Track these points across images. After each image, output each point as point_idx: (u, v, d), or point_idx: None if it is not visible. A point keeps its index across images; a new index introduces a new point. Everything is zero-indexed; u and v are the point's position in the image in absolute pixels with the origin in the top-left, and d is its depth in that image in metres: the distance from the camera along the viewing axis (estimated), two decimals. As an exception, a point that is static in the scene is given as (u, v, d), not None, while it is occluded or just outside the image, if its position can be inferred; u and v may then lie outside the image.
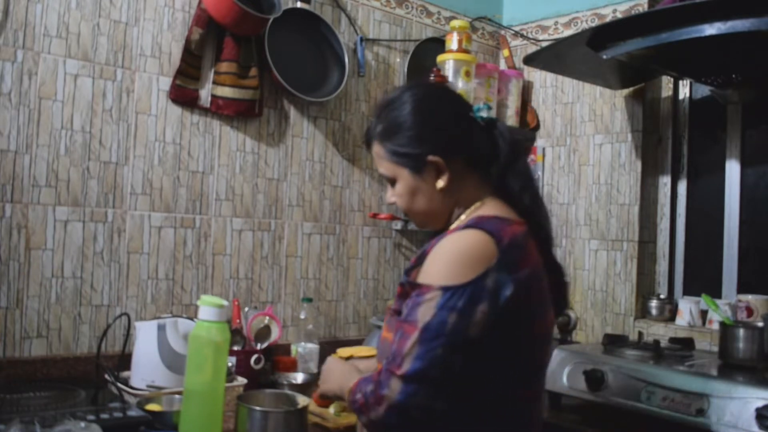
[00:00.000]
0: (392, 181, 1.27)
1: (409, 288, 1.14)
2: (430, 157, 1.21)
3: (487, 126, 1.26)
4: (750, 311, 2.03)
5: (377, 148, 1.26)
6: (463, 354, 1.07)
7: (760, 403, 1.49)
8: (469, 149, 1.24)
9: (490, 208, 1.22)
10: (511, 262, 1.10)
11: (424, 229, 1.34)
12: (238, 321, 1.98)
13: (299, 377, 1.91)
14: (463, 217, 1.23)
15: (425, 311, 1.07)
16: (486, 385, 1.12)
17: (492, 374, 1.12)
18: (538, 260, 1.17)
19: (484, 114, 1.27)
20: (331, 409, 1.71)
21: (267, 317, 1.98)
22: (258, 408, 1.39)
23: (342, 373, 1.30)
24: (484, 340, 1.08)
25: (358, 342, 2.21)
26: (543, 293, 1.18)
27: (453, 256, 1.11)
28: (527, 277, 1.12)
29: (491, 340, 1.09)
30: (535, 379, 1.20)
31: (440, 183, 1.22)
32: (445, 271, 1.09)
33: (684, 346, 1.99)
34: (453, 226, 1.22)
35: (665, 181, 2.42)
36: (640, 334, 2.20)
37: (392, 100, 1.26)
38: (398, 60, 2.48)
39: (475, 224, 1.14)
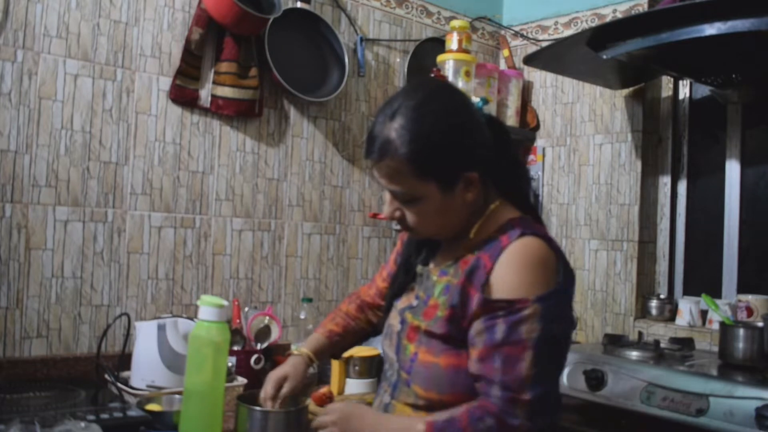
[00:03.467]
0: (411, 199, 1.13)
1: (488, 307, 1.06)
2: (466, 174, 1.12)
3: (489, 123, 1.21)
4: (750, 311, 2.03)
5: (398, 165, 1.10)
6: (566, 358, 1.12)
7: (760, 403, 1.49)
8: (491, 157, 1.16)
9: (505, 211, 1.19)
10: (564, 259, 1.13)
11: (429, 238, 1.25)
12: (238, 321, 1.98)
13: (299, 377, 1.91)
14: (480, 223, 1.17)
15: (530, 328, 1.03)
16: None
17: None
18: None
19: (485, 111, 1.25)
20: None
21: (267, 317, 1.98)
22: (258, 408, 1.39)
23: (378, 420, 1.16)
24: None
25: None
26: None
27: (533, 266, 1.07)
28: (568, 266, 1.14)
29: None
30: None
31: (469, 196, 1.15)
32: (533, 281, 1.06)
33: (684, 346, 1.99)
34: (488, 234, 1.14)
35: (665, 181, 2.42)
36: (640, 334, 2.20)
37: (414, 110, 1.10)
38: (398, 60, 2.48)
39: (524, 230, 1.11)
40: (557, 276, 1.09)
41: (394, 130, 1.10)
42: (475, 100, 1.23)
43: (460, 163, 1.12)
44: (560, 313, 1.08)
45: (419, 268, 1.26)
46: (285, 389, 1.38)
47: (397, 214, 1.17)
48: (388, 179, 1.13)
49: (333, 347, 1.48)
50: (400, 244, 1.41)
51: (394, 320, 1.26)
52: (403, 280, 1.31)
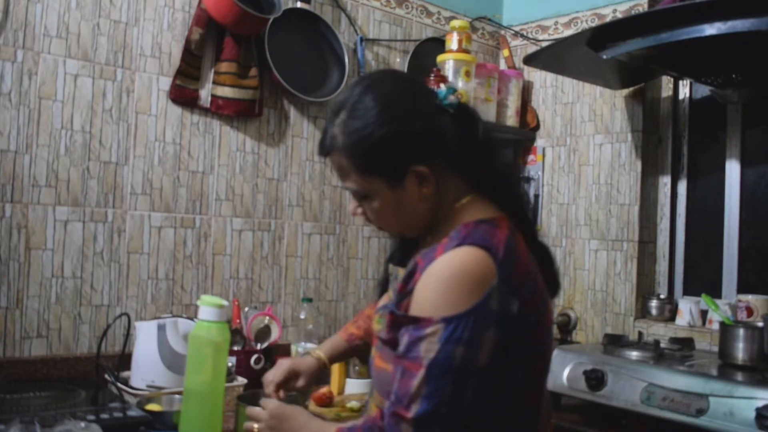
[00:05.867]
0: (363, 196, 1.10)
1: (404, 320, 1.02)
2: (413, 167, 1.06)
3: (458, 113, 1.12)
4: (750, 311, 2.03)
5: (342, 161, 1.08)
6: (473, 384, 0.97)
7: (760, 403, 1.49)
8: (448, 148, 1.09)
9: (472, 209, 1.10)
10: (512, 274, 1.00)
11: (398, 237, 1.23)
12: (238, 321, 1.98)
13: (299, 377, 1.91)
14: (444, 223, 1.10)
15: (428, 347, 0.96)
16: (497, 403, 1.02)
17: (502, 392, 1.03)
18: (528, 255, 1.07)
19: (452, 99, 1.11)
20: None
21: (267, 317, 1.98)
22: (258, 408, 1.39)
23: (306, 423, 1.14)
24: (493, 364, 0.98)
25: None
26: (541, 291, 1.07)
27: (450, 281, 0.98)
28: (527, 282, 1.03)
29: (500, 360, 0.99)
30: (541, 379, 1.12)
31: (424, 191, 1.08)
32: (444, 300, 0.97)
33: (684, 346, 1.99)
34: (441, 243, 1.05)
35: (665, 181, 2.42)
36: (640, 334, 2.20)
37: (353, 104, 1.07)
38: (398, 60, 2.48)
39: (464, 240, 1.01)
40: (482, 294, 0.97)
41: (337, 125, 1.08)
42: (441, 88, 1.15)
43: (404, 155, 1.06)
44: (470, 337, 0.96)
45: (390, 268, 1.24)
46: (295, 383, 1.38)
47: (359, 210, 1.13)
48: (339, 176, 1.11)
49: (354, 350, 1.45)
50: None
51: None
52: (383, 285, 1.29)
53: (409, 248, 1.21)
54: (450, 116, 1.10)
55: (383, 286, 1.30)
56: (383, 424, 1.00)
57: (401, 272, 1.14)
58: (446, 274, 0.99)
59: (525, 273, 1.03)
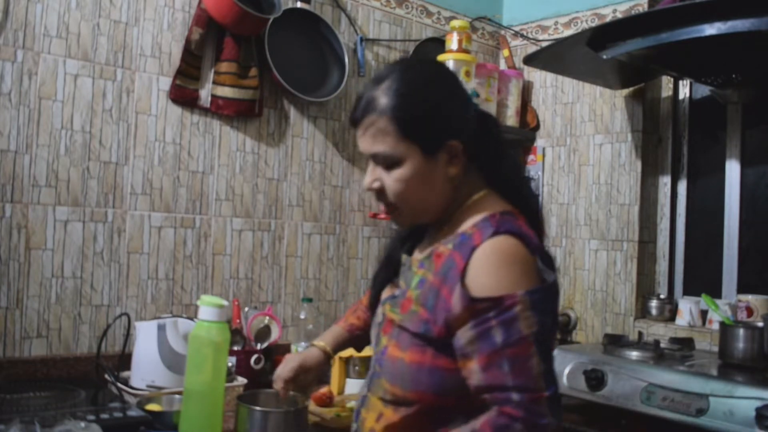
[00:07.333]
0: (392, 163, 1.10)
1: (484, 303, 1.00)
2: (450, 141, 1.09)
3: (479, 110, 1.20)
4: (750, 311, 2.03)
5: (380, 123, 1.09)
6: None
7: (760, 403, 1.49)
8: (474, 138, 1.13)
9: (489, 202, 1.13)
10: (546, 257, 1.07)
11: (407, 225, 1.21)
12: (238, 321, 1.98)
13: (299, 377, 1.91)
14: (461, 214, 1.13)
15: (527, 323, 0.97)
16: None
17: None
18: None
19: (474, 99, 1.22)
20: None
21: (267, 317, 1.98)
22: (258, 408, 1.39)
23: None
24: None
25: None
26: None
27: (511, 261, 1.02)
28: (552, 270, 1.08)
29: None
30: None
31: (452, 170, 1.11)
32: (514, 278, 1.00)
33: (684, 346, 1.99)
34: (464, 228, 1.10)
35: (665, 181, 2.42)
36: (640, 334, 2.20)
37: (400, 72, 1.11)
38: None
39: (499, 228, 1.05)
40: (536, 273, 1.03)
41: (381, 90, 1.10)
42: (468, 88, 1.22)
43: (443, 128, 1.10)
44: (548, 308, 1.02)
45: (403, 258, 1.23)
46: (303, 378, 1.39)
47: (377, 184, 1.14)
48: (372, 140, 1.11)
49: (354, 340, 1.47)
50: None
51: (378, 312, 1.23)
52: (384, 275, 1.28)
53: (419, 240, 1.23)
54: (474, 110, 1.17)
55: (387, 275, 1.27)
56: (523, 415, 0.96)
57: (415, 262, 1.16)
58: (503, 258, 1.02)
59: (551, 262, 1.09)
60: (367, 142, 1.12)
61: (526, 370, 0.97)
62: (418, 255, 1.20)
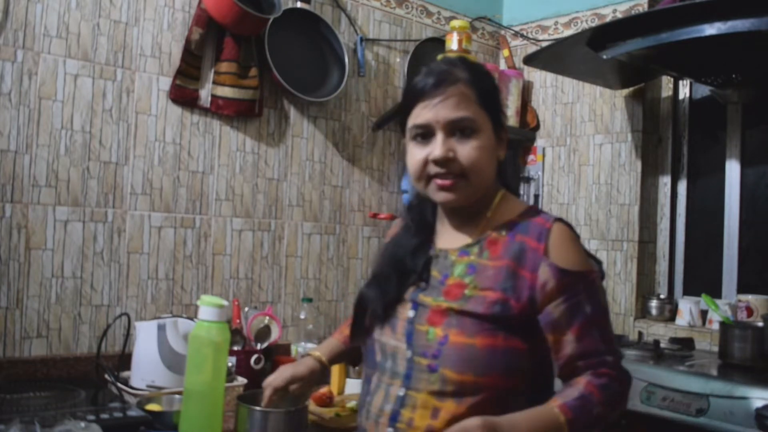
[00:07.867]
0: (471, 131, 1.14)
1: (574, 276, 1.10)
2: (504, 131, 1.23)
3: None
4: (750, 311, 2.03)
5: (467, 91, 1.15)
6: None
7: (760, 403, 1.49)
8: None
9: (514, 198, 1.25)
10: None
11: (463, 200, 1.18)
12: (238, 321, 1.98)
13: (299, 377, 1.91)
14: (502, 204, 1.22)
15: (603, 295, 1.14)
16: None
17: None
18: None
19: None
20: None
21: (267, 317, 1.98)
22: (258, 408, 1.39)
23: (520, 415, 1.06)
24: None
25: (358, 342, 2.21)
26: None
27: (579, 242, 1.16)
28: None
29: None
30: None
31: (501, 154, 1.21)
32: (586, 256, 1.16)
33: (684, 346, 1.99)
34: (511, 217, 1.18)
35: (665, 181, 2.42)
36: (640, 334, 2.20)
37: (464, 60, 1.22)
38: (398, 60, 2.48)
39: (550, 216, 1.18)
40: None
41: (461, 69, 1.17)
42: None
43: (502, 110, 1.23)
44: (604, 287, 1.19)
45: (434, 251, 1.22)
46: (294, 388, 1.38)
47: (450, 154, 1.14)
48: (455, 106, 1.14)
49: (350, 353, 1.45)
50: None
51: (402, 309, 1.18)
52: (398, 277, 1.22)
53: (425, 245, 1.25)
54: None
55: (402, 275, 1.22)
56: (616, 374, 1.12)
57: (453, 252, 1.19)
58: (574, 237, 1.15)
59: None
60: (448, 108, 1.14)
61: (610, 336, 1.13)
62: (450, 245, 1.20)
